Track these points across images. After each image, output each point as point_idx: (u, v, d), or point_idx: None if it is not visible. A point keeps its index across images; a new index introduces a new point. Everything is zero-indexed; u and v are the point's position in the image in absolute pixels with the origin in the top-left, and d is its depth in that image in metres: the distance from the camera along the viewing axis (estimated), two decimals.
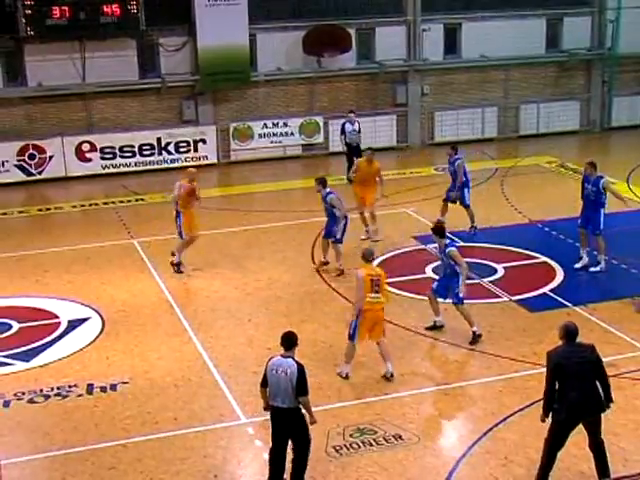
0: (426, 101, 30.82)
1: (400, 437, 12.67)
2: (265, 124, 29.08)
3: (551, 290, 17.93)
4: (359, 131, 26.16)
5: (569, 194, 21.83)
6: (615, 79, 32.53)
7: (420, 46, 30.42)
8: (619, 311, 16.89)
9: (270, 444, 11.52)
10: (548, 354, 11.23)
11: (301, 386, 11.08)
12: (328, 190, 18.91)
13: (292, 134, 29.04)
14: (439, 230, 16.04)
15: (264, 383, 11.38)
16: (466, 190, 21.17)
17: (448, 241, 16.22)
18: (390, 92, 30.49)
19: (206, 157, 28.59)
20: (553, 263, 19.25)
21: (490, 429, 12.66)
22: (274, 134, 29.09)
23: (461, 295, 15.72)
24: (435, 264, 19.28)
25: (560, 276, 18.60)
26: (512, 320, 16.54)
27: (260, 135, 28.95)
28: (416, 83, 30.60)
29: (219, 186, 27.75)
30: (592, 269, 18.77)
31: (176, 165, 28.11)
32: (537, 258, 19.61)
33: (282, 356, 11.27)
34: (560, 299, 17.42)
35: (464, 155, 21.86)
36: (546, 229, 21.14)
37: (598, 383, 11.11)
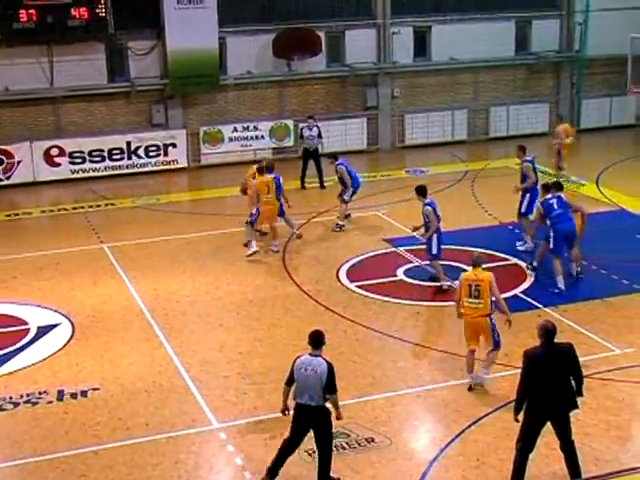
0: (396, 104, 30.85)
1: (372, 440, 12.65)
2: (235, 128, 28.99)
3: (522, 292, 17.99)
4: (318, 136, 26.19)
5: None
6: (584, 81, 32.71)
7: (390, 49, 30.44)
8: (589, 312, 16.98)
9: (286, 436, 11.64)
10: (525, 353, 11.28)
11: (331, 384, 11.20)
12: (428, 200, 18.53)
13: (262, 137, 28.98)
14: (420, 189, 18.20)
15: (289, 382, 11.46)
16: None
17: (427, 200, 18.01)
18: (360, 95, 30.50)
19: (176, 161, 28.47)
20: (524, 265, 19.31)
21: (462, 431, 12.67)
22: (244, 138, 29.01)
23: (434, 252, 17.67)
24: (407, 266, 19.33)
25: (531, 278, 18.66)
26: None
27: (230, 139, 28.86)
28: (386, 86, 30.63)
29: (189, 190, 27.65)
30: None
31: (146, 169, 27.99)
32: (508, 260, 19.67)
33: (310, 355, 11.41)
34: (531, 300, 17.49)
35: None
36: (516, 231, 21.19)
37: (573, 382, 11.15)
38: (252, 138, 29.03)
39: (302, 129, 26.45)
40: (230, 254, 20.57)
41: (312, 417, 11.33)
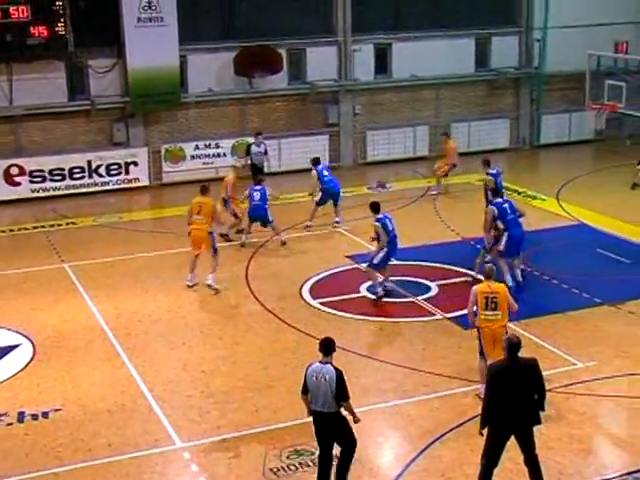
0: (358, 121, 30.95)
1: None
2: (197, 145, 28.93)
3: None
4: (265, 152, 26.35)
5: None
6: (543, 97, 33.01)
7: (351, 66, 30.56)
8: (551, 326, 17.08)
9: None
10: (489, 366, 11.32)
11: (340, 391, 11.26)
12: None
13: (224, 155, 28.92)
14: (373, 206, 18.72)
15: (305, 390, 11.48)
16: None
17: (379, 216, 18.42)
18: (322, 112, 30.56)
19: (138, 179, 28.34)
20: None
21: (427, 447, 12.67)
22: (206, 155, 28.95)
23: (375, 262, 18.26)
24: (370, 283, 19.34)
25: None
26: (447, 337, 16.62)
27: (192, 156, 28.79)
28: (347, 103, 30.73)
29: (151, 208, 27.52)
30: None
31: (107, 188, 27.83)
32: (470, 275, 19.73)
33: (320, 362, 11.46)
34: None
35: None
36: (478, 246, 21.26)
37: (536, 396, 11.21)
38: (214, 156, 28.98)
39: (250, 145, 26.51)
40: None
41: (327, 423, 11.43)
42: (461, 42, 31.73)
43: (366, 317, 17.72)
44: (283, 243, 22.14)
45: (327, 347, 11.57)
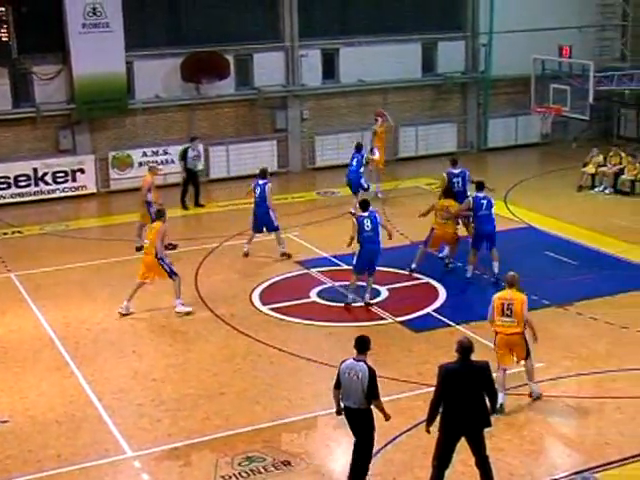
0: (306, 126, 30.97)
1: (289, 463, 12.59)
2: (145, 152, 28.74)
3: (434, 310, 18.14)
4: (199, 156, 26.55)
5: None
6: (489, 101, 33.28)
7: (298, 72, 30.58)
8: None
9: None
10: (440, 367, 11.38)
11: (372, 390, 11.36)
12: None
13: (172, 161, 28.73)
14: (360, 204, 18.80)
15: (337, 385, 11.58)
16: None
17: (364, 214, 18.35)
18: (270, 118, 30.53)
19: (85, 187, 28.08)
20: (435, 283, 19.50)
21: (378, 450, 12.65)
22: (154, 162, 28.71)
23: (353, 263, 18.56)
24: (320, 288, 19.34)
25: (443, 296, 18.84)
26: (397, 341, 16.66)
27: (140, 163, 28.57)
28: (295, 108, 30.73)
29: (99, 216, 27.27)
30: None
31: (54, 196, 27.55)
32: (420, 279, 19.83)
33: (354, 359, 11.55)
34: (444, 319, 17.64)
35: None
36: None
37: (487, 399, 11.28)
38: (162, 162, 28.78)
39: (186, 149, 26.41)
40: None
41: (356, 419, 11.53)
42: (408, 47, 31.88)
43: (316, 322, 17.71)
44: (284, 255, 21.32)
45: (362, 344, 11.67)
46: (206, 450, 13.05)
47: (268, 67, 30.21)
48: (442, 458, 11.31)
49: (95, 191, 28.26)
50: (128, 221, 25.01)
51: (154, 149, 28.82)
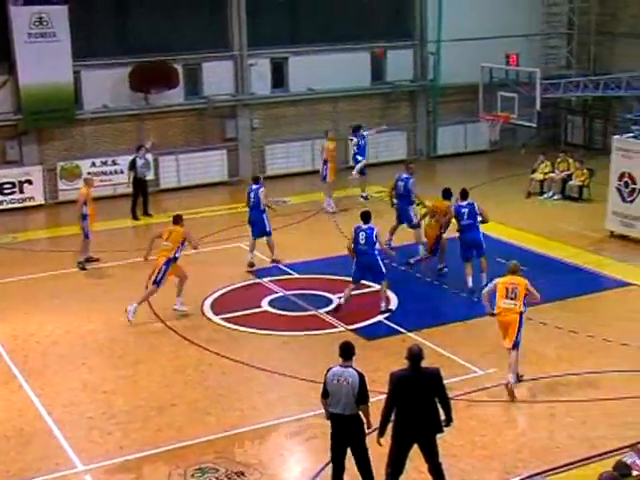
0: (256, 135, 30.91)
1: (242, 474, 12.53)
2: (94, 163, 28.49)
3: (386, 318, 18.18)
4: (148, 164, 26.58)
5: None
6: (438, 109, 33.49)
7: (248, 81, 30.53)
8: (452, 335, 17.29)
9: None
10: (391, 374, 11.39)
11: (362, 394, 11.36)
12: None
13: (122, 172, 28.52)
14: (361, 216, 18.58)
15: (325, 394, 11.55)
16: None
17: (362, 226, 18.29)
18: (219, 127, 30.43)
19: (32, 198, 27.75)
20: (387, 291, 19.51)
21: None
22: (103, 172, 28.52)
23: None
24: (271, 297, 19.31)
25: (394, 303, 18.88)
26: None
27: (89, 174, 28.20)
28: (245, 117, 30.67)
29: (47, 227, 26.88)
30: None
31: (1, 207, 27.20)
32: (371, 287, 19.84)
33: (341, 366, 11.46)
34: (395, 326, 17.69)
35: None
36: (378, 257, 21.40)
37: (440, 407, 11.30)
38: (111, 173, 28.59)
39: (134, 159, 26.30)
40: (92, 291, 20.17)
41: (346, 426, 11.46)
42: (357, 55, 31.96)
43: (268, 331, 17.67)
44: (274, 261, 21.42)
45: (347, 351, 11.61)
46: (158, 462, 12.95)
47: (217, 76, 30.12)
48: (395, 465, 11.32)
49: (43, 202, 27.96)
50: (77, 232, 24.73)
51: (103, 159, 28.58)
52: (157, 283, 18.42)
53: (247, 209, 21.61)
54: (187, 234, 18.79)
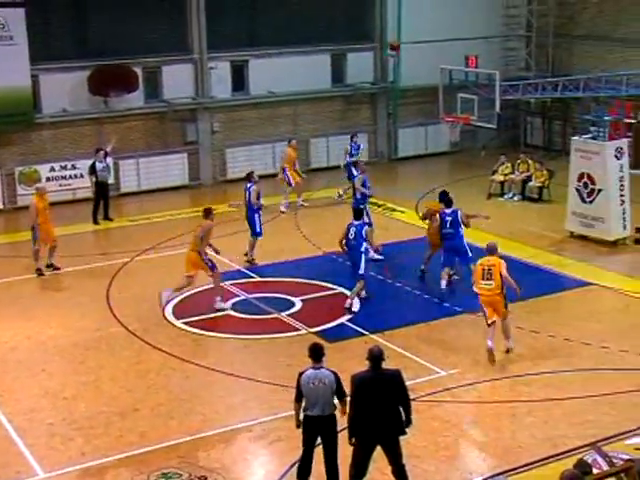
0: (216, 138, 30.81)
1: (206, 478, 12.46)
2: (53, 167, 28.24)
3: (348, 320, 18.19)
4: (108, 168, 26.36)
5: None
6: (399, 111, 33.59)
7: (208, 84, 30.44)
8: (414, 336, 17.32)
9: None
10: (352, 377, 11.40)
11: (340, 389, 11.52)
12: None
13: (81, 176, 28.28)
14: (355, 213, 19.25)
15: (298, 398, 11.59)
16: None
17: (356, 222, 18.72)
18: (180, 130, 30.30)
19: None
20: (349, 293, 19.52)
21: (295, 462, 12.61)
22: (63, 177, 28.29)
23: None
24: (233, 300, 19.25)
25: (356, 305, 18.88)
26: None
27: (48, 178, 28.06)
28: (205, 121, 30.57)
29: (6, 232, 26.57)
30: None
31: None
32: (333, 289, 19.86)
33: (313, 368, 11.47)
34: (358, 328, 17.69)
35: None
36: (340, 260, 21.44)
37: (401, 408, 11.31)
38: (71, 177, 28.36)
39: (94, 162, 26.08)
40: (52, 297, 20.02)
41: (323, 426, 11.52)
42: (317, 58, 31.99)
43: (230, 335, 17.62)
44: (250, 262, 21.67)
45: (317, 352, 11.64)
46: (121, 468, 12.85)
47: (177, 79, 29.99)
48: (358, 467, 11.32)
49: (2, 207, 27.69)
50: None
51: (62, 164, 28.34)
52: (215, 268, 18.85)
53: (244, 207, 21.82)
54: (203, 229, 18.90)
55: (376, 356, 11.30)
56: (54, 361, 16.71)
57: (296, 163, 27.72)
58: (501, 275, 15.65)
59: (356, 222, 18.77)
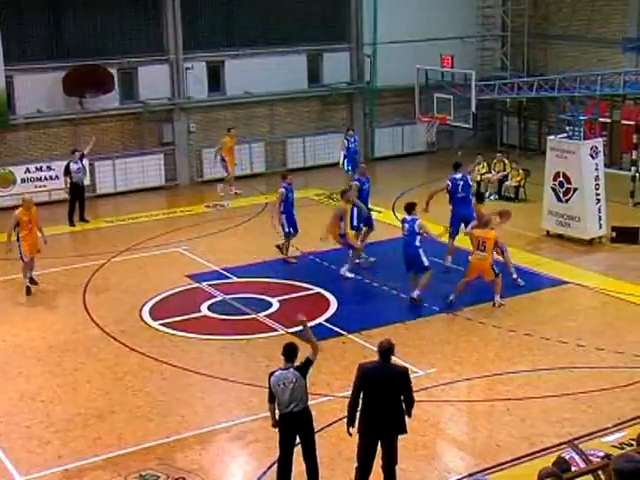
0: (193, 139, 30.76)
1: None
2: (28, 168, 28.07)
3: (326, 320, 18.18)
4: (84, 169, 26.27)
5: None
6: (375, 111, 33.63)
7: (184, 84, 30.37)
8: (392, 336, 17.05)
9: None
10: (359, 365, 11.36)
11: (306, 369, 11.47)
12: None
13: (57, 177, 28.11)
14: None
15: (271, 399, 11.52)
16: None
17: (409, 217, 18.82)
18: (156, 131, 30.21)
19: None
20: (326, 293, 19.54)
21: (273, 463, 12.59)
22: (38, 178, 28.14)
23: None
24: (211, 301, 19.20)
25: (334, 306, 18.89)
26: None
27: (23, 180, 27.90)
28: (182, 121, 30.50)
29: None
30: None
31: None
32: (310, 289, 19.85)
33: (283, 369, 11.45)
34: (336, 328, 17.68)
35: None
36: (317, 260, 21.45)
37: (404, 405, 11.28)
38: (46, 178, 28.20)
39: (68, 163, 25.92)
40: (28, 299, 19.88)
41: (298, 421, 11.47)
42: (293, 58, 31.99)
43: (208, 336, 17.57)
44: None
45: (291, 352, 11.58)
46: (98, 470, 12.80)
47: (153, 80, 29.90)
48: (364, 462, 11.29)
49: None
50: (12, 240, 24.40)
51: (37, 165, 28.17)
52: (352, 247, 20.57)
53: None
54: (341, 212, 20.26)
55: (386, 349, 11.24)
56: (31, 364, 16.60)
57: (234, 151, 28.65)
58: (495, 248, 18.10)
59: (408, 217, 18.71)
